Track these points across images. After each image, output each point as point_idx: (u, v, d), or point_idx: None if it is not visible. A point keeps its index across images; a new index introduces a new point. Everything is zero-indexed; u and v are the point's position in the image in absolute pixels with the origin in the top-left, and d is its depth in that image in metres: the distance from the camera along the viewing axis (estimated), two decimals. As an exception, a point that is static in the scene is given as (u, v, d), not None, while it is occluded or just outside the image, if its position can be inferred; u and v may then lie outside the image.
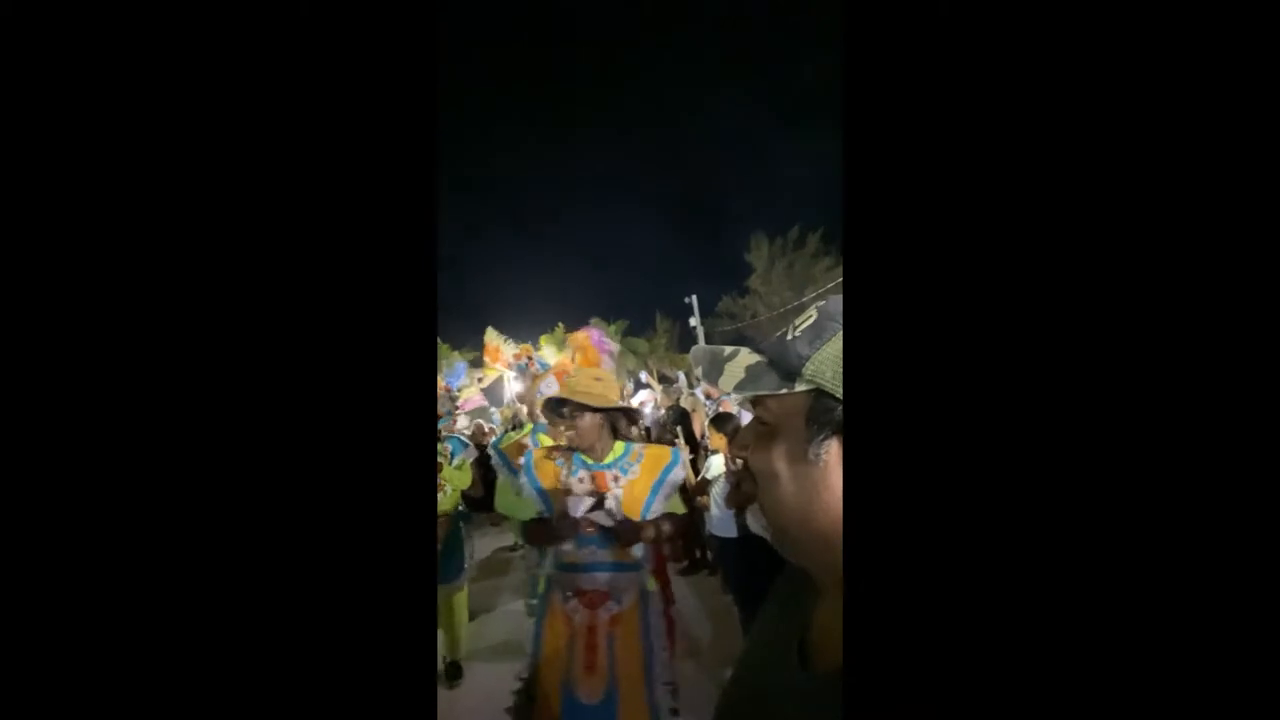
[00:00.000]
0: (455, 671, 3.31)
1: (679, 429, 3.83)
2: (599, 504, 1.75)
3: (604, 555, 1.76)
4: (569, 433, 1.86)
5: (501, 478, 2.39)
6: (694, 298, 23.14)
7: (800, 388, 0.47)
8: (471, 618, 3.66)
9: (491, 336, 3.88)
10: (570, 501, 1.75)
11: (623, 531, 1.73)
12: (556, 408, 1.95)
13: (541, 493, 1.88)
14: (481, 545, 5.43)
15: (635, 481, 1.82)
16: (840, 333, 0.46)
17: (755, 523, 3.04)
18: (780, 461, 0.48)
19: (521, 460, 1.93)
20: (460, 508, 3.60)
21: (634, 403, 6.48)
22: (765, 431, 0.50)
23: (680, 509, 1.89)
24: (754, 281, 24.46)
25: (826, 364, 0.46)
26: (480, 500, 3.86)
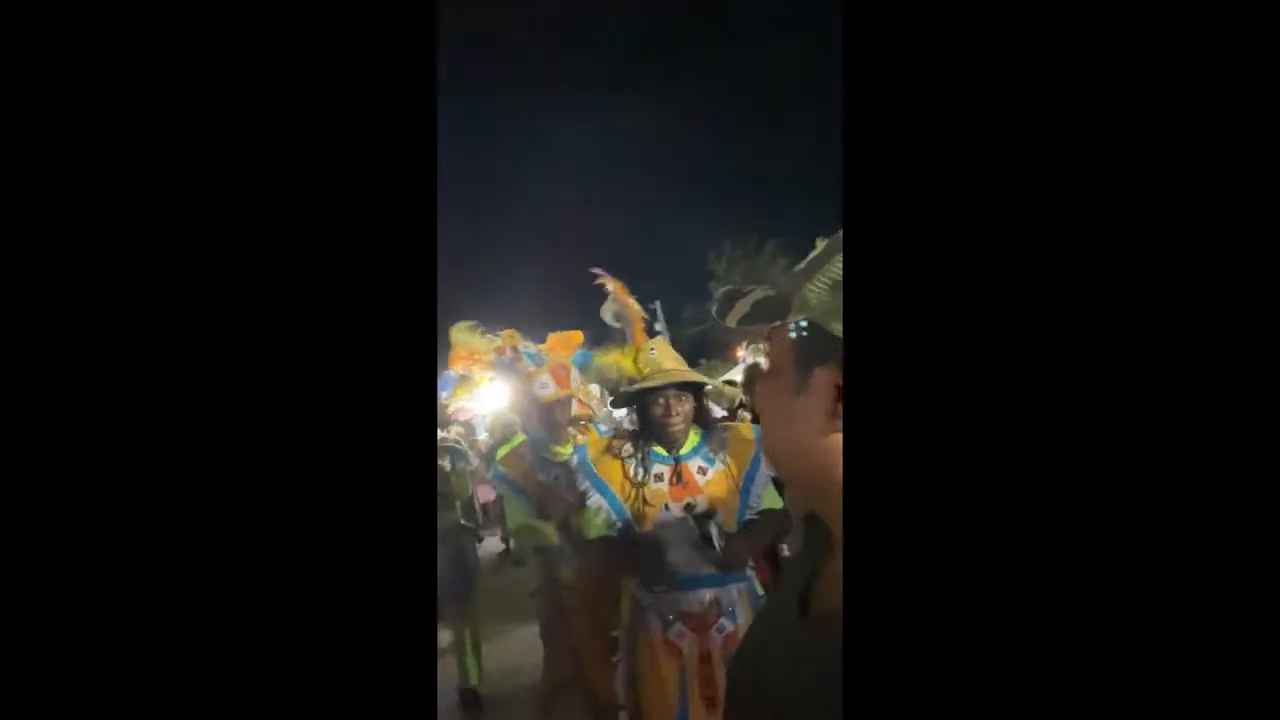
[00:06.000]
0: (473, 700, 3.06)
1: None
2: (704, 535, 1.41)
3: (706, 565, 1.44)
4: (675, 425, 1.48)
5: (507, 499, 2.05)
6: (658, 304, 23.25)
7: (792, 319, 0.47)
8: (484, 641, 3.39)
9: (461, 333, 2.52)
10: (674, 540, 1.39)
11: (732, 553, 1.42)
12: (639, 400, 1.54)
13: (613, 499, 1.47)
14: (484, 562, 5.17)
15: (725, 473, 1.49)
16: (836, 260, 0.43)
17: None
18: (774, 396, 0.48)
19: (574, 459, 1.57)
20: (462, 522, 3.35)
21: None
22: (767, 369, 0.50)
23: (778, 502, 1.56)
24: (714, 286, 24.68)
25: (813, 293, 0.42)
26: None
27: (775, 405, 0.48)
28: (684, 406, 1.50)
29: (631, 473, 1.49)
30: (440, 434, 3.59)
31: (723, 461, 1.50)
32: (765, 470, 1.50)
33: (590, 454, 1.55)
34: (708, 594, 1.43)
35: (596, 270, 1.66)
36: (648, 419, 1.52)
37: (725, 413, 3.71)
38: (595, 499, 1.48)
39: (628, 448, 1.53)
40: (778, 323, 0.48)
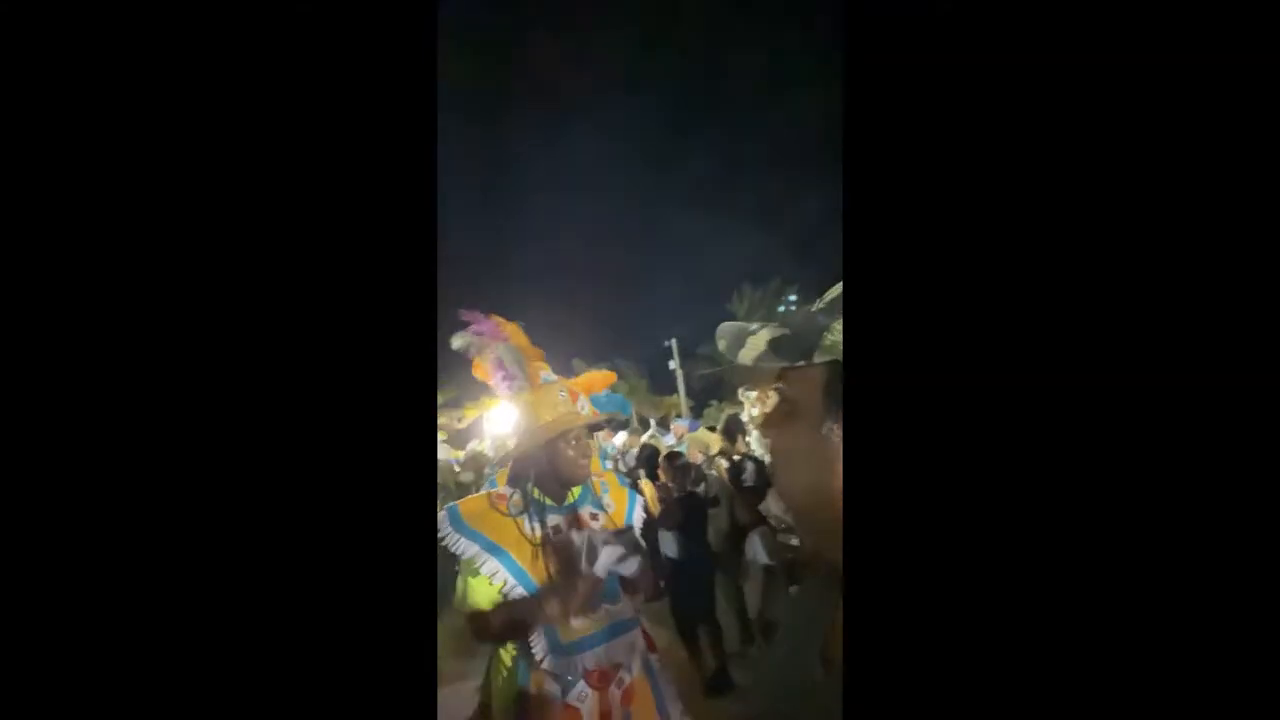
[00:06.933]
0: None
1: (643, 470, 3.84)
2: (634, 548, 1.22)
3: (605, 615, 1.31)
4: (587, 467, 1.36)
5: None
6: (673, 341, 23.30)
7: (819, 360, 0.45)
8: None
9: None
10: (597, 554, 1.20)
11: (645, 577, 1.30)
12: (543, 447, 1.35)
13: (512, 563, 1.26)
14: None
15: (611, 518, 1.43)
16: None
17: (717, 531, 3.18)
18: (797, 439, 0.47)
19: (444, 518, 1.31)
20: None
21: (615, 443, 6.18)
22: (786, 409, 0.49)
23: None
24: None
25: (833, 336, 0.45)
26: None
27: (796, 448, 0.47)
28: (593, 446, 1.40)
29: (528, 530, 1.29)
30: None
31: (608, 506, 1.45)
32: (639, 511, 1.49)
33: (464, 512, 1.31)
34: (606, 646, 1.30)
35: (467, 314, 1.42)
36: (561, 463, 1.34)
37: (704, 458, 3.79)
38: (489, 564, 1.25)
39: (515, 502, 1.33)
40: (802, 362, 0.47)
